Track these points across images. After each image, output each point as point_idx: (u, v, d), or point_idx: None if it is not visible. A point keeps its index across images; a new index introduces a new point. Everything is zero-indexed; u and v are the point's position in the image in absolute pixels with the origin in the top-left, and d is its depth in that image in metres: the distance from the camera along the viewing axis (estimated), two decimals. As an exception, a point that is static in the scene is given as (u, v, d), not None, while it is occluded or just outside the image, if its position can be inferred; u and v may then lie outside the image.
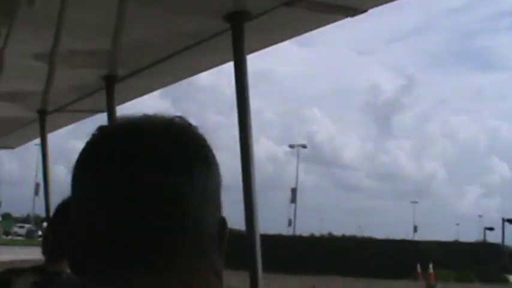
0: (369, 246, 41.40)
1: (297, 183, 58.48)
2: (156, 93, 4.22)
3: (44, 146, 5.03)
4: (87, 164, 0.98)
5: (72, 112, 4.76)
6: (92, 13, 2.87)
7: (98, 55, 3.46)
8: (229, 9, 2.72)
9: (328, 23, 2.86)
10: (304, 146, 61.07)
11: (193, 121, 1.02)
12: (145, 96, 4.09)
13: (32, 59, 3.61)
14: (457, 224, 69.03)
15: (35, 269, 2.54)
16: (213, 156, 1.00)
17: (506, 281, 38.27)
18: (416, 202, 68.77)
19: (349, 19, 2.78)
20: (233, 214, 1.06)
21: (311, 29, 2.96)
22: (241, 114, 2.85)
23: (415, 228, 63.41)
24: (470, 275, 37.28)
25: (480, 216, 71.56)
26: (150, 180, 0.93)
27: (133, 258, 0.92)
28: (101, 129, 1.02)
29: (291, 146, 61.28)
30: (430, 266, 33.16)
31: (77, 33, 3.16)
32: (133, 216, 0.92)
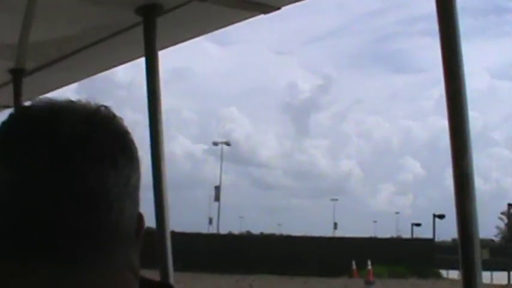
0: (291, 243, 41.57)
1: (220, 181, 58.40)
2: (72, 87, 4.09)
3: None
4: (2, 149, 0.91)
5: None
6: (3, 2, 2.76)
7: (4, 47, 3.33)
8: (142, 2, 2.68)
9: (242, 19, 2.86)
10: (227, 144, 61.01)
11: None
12: (60, 91, 3.96)
13: None
14: (375, 221, 70.67)
15: None
16: (136, 151, 0.97)
17: (439, 275, 39.31)
18: (337, 200, 70.00)
19: (266, 19, 2.79)
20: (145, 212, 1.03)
21: (225, 25, 2.95)
22: (152, 110, 2.81)
23: (335, 225, 64.48)
24: (403, 271, 37.96)
25: (397, 213, 73.64)
26: (73, 169, 0.88)
27: (48, 251, 0.87)
28: (20, 112, 0.96)
29: (215, 144, 61.03)
30: (369, 262, 33.64)
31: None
32: (52, 207, 0.87)
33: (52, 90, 3.94)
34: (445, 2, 1.96)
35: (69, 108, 0.94)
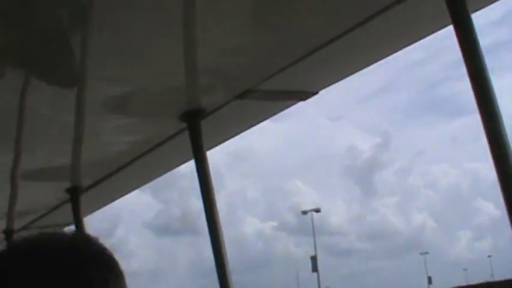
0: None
1: (315, 251, 56.22)
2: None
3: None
4: None
5: (39, 229, 4.69)
6: (52, 127, 2.88)
7: (60, 169, 3.45)
8: (185, 108, 2.76)
9: (283, 109, 2.92)
10: (317, 211, 58.48)
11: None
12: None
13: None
14: (465, 269, 68.57)
15: None
16: (119, 265, 1.03)
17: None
18: (427, 253, 67.60)
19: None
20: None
21: (266, 117, 3.01)
22: (208, 206, 2.87)
23: (430, 280, 61.76)
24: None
25: (489, 256, 71.38)
26: None
27: None
28: (4, 256, 1.00)
29: (304, 212, 58.68)
30: None
31: (38, 148, 3.16)
32: None
33: (108, 203, 4.04)
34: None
35: (48, 244, 1.00)
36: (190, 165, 3.06)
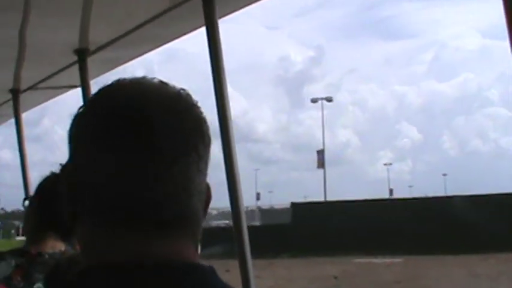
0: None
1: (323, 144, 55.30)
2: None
3: (18, 126, 4.97)
4: (96, 133, 0.97)
5: (46, 89, 4.69)
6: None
7: (67, 28, 3.39)
8: None
9: None
10: (329, 100, 56.72)
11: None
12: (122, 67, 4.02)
13: (1, 38, 3.55)
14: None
15: (15, 252, 2.49)
16: (210, 133, 1.04)
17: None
18: (391, 164, 69.16)
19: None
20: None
21: None
22: (216, 77, 2.87)
23: (391, 192, 62.78)
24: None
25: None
26: (163, 155, 0.96)
27: (140, 225, 0.95)
28: (106, 94, 1.01)
29: (314, 101, 56.81)
30: None
31: (46, 7, 3.09)
32: (141, 188, 0.95)
33: (116, 66, 4.00)
34: None
35: (154, 95, 0.99)
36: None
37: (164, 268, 0.94)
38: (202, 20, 2.88)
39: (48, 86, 4.57)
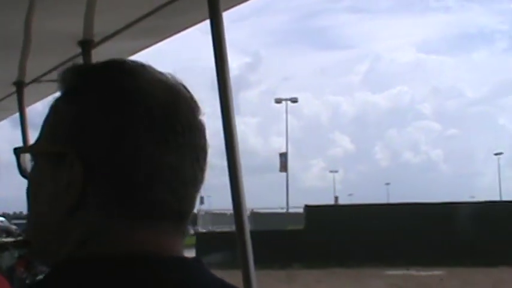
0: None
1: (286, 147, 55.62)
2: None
3: (23, 120, 4.96)
4: (146, 124, 1.02)
5: (50, 82, 4.68)
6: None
7: (71, 19, 3.38)
8: None
9: None
10: (294, 101, 57.31)
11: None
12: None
13: (5, 30, 3.55)
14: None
15: (18, 243, 2.49)
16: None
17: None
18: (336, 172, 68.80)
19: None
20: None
21: None
22: (220, 71, 2.87)
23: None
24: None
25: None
26: (201, 143, 1.07)
27: (172, 215, 1.03)
28: (140, 85, 1.08)
29: (278, 101, 57.36)
30: None
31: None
32: (195, 179, 1.05)
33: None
34: None
35: (183, 94, 1.10)
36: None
37: (178, 261, 1.01)
38: (207, 13, 2.87)
39: (53, 79, 4.56)
